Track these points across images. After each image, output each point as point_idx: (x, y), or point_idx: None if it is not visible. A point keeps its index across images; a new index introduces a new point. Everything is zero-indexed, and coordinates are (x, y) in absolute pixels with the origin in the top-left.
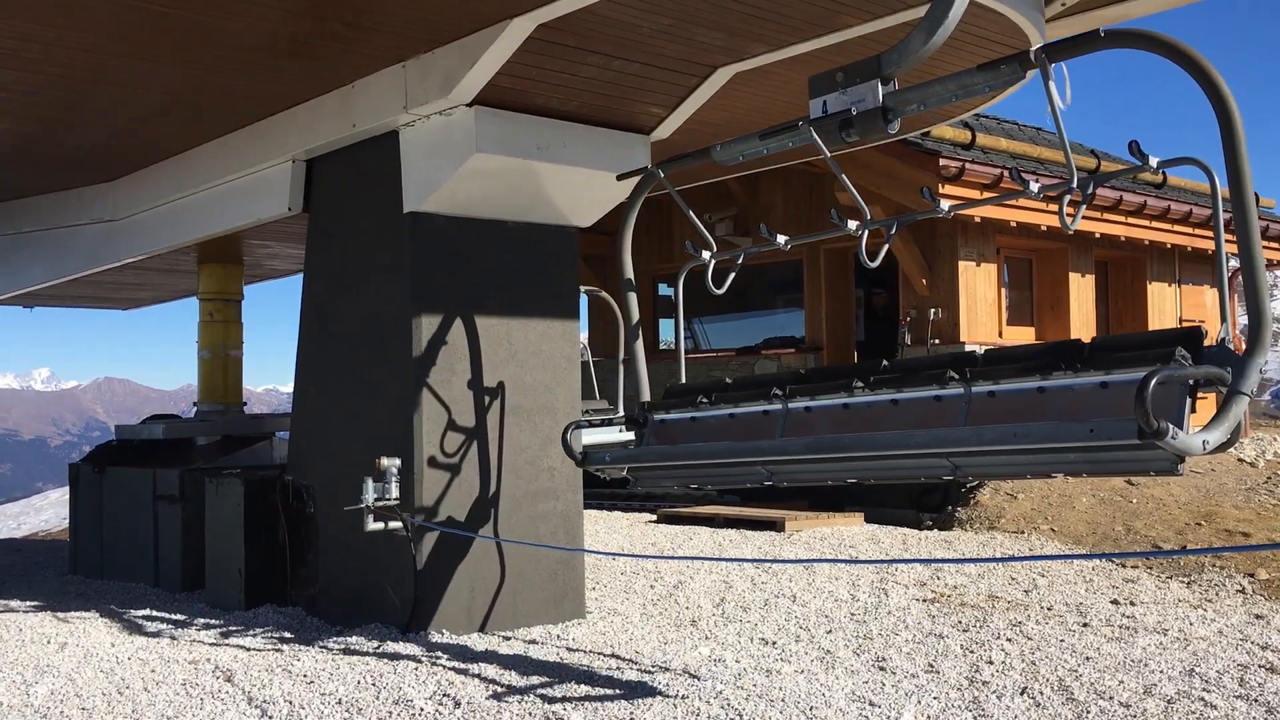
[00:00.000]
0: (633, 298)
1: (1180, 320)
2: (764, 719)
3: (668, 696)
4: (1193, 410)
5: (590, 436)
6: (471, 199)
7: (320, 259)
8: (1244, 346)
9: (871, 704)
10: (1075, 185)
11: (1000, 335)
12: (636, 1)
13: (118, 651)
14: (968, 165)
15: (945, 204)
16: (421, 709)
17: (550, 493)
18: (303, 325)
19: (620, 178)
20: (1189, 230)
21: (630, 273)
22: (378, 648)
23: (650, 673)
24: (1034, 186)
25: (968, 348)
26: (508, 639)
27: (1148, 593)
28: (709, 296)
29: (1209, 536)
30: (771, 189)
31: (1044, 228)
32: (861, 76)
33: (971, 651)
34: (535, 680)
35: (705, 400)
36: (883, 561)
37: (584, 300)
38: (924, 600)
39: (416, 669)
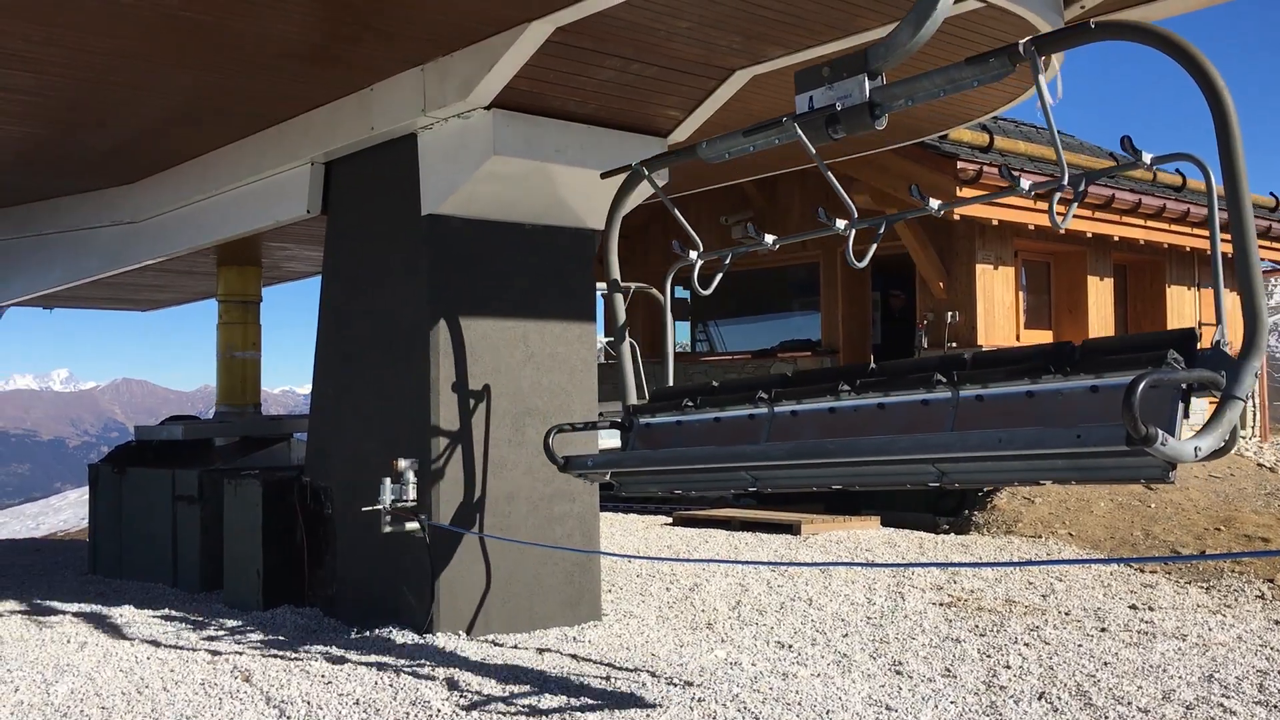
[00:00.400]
0: (619, 299)
1: (1199, 324)
2: None
3: (684, 699)
4: (1186, 415)
5: (604, 441)
6: (489, 201)
7: (338, 261)
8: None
9: (888, 708)
10: (1066, 183)
11: (1018, 339)
12: (654, 4)
13: (137, 651)
14: (985, 168)
15: (934, 203)
16: (438, 710)
17: (567, 495)
18: (321, 327)
19: (604, 175)
20: (1206, 233)
21: (617, 273)
22: (395, 648)
23: (666, 675)
24: (1024, 184)
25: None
26: (524, 641)
27: (1166, 598)
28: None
29: (1228, 542)
30: (789, 191)
31: (1062, 230)
32: (848, 71)
33: (989, 656)
34: (551, 682)
35: (690, 404)
36: (899, 565)
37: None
38: (941, 604)
39: (433, 670)
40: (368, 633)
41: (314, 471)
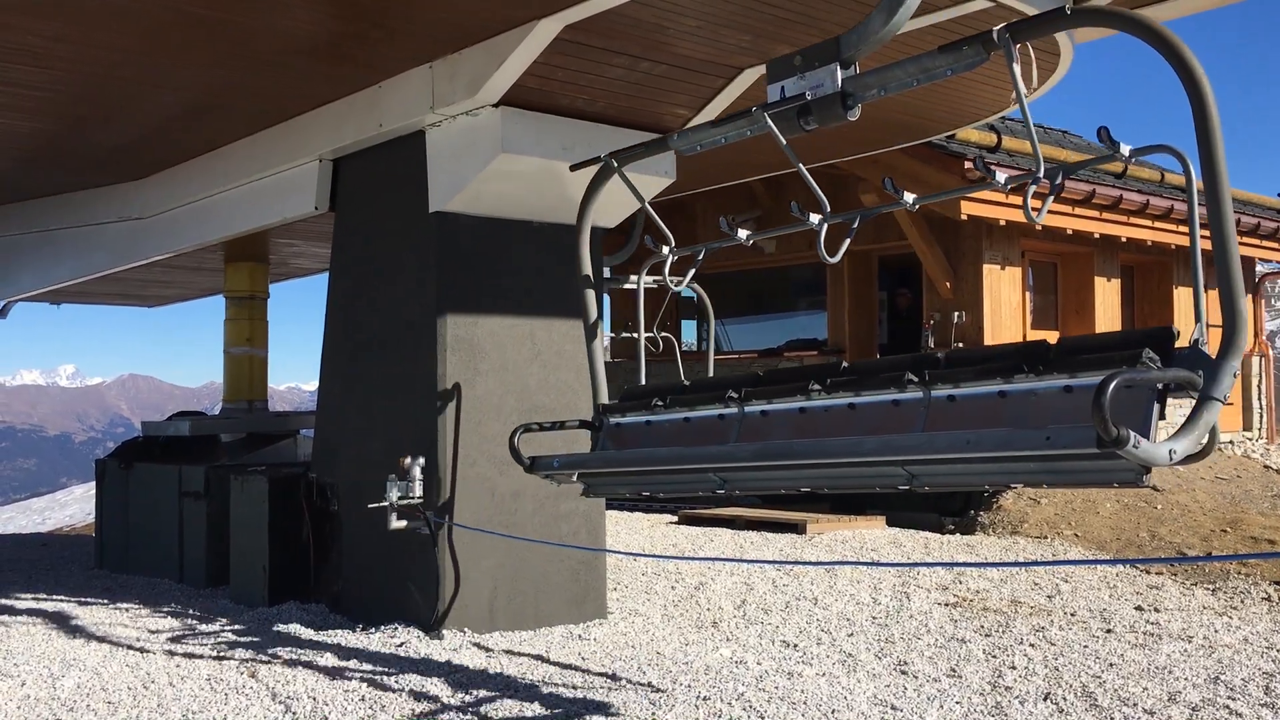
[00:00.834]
0: (590, 295)
1: (1207, 326)
2: None
3: (689, 698)
4: (1161, 417)
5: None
6: (497, 199)
7: (346, 258)
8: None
9: (894, 708)
10: (1042, 176)
11: (1024, 339)
12: (663, 3)
13: (143, 646)
14: (993, 168)
15: (909, 196)
16: (444, 706)
17: (573, 493)
18: (328, 324)
19: (574, 168)
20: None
21: (589, 269)
22: (400, 645)
23: (671, 674)
24: (1000, 177)
25: None
26: (530, 638)
27: (1172, 599)
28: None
29: (1234, 543)
30: (795, 191)
31: (1070, 231)
32: (820, 61)
33: (994, 656)
34: (557, 680)
35: (660, 403)
36: (905, 565)
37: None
38: (946, 604)
39: (438, 667)
40: (374, 629)
41: (320, 468)
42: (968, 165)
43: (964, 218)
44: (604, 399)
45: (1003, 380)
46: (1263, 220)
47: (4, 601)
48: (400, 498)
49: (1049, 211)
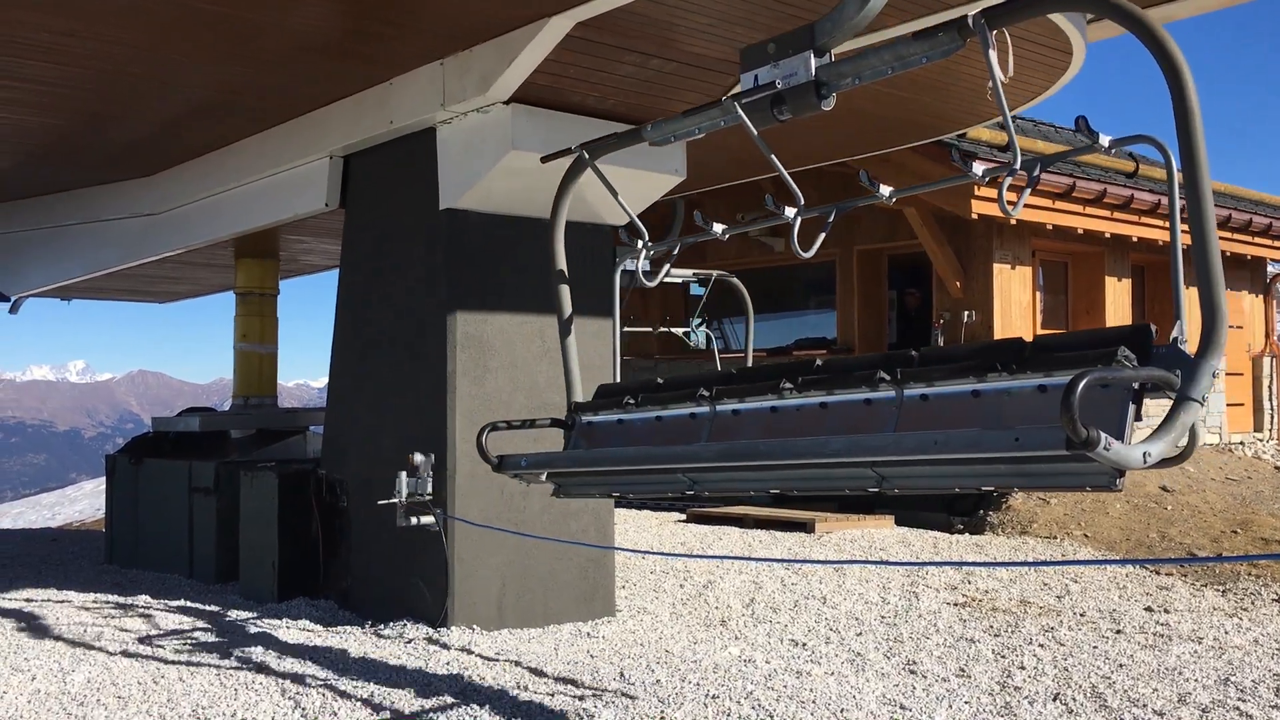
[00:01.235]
0: (565, 291)
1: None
2: None
3: (698, 696)
4: (1138, 418)
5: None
6: (507, 196)
7: (356, 254)
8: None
9: (903, 707)
10: (1019, 168)
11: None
12: (674, 0)
13: (153, 641)
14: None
15: (884, 189)
16: (453, 703)
17: None
18: (338, 320)
19: (545, 159)
20: (1227, 235)
21: (563, 264)
22: (409, 642)
23: (680, 672)
24: (978, 169)
25: None
26: (538, 636)
27: (1182, 600)
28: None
29: (1245, 544)
30: (804, 190)
31: (1080, 231)
32: (794, 48)
33: (1003, 657)
34: (565, 677)
35: (632, 401)
36: (914, 564)
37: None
38: (955, 604)
39: (448, 664)
40: (382, 626)
41: (330, 464)
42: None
43: (974, 217)
44: (578, 397)
45: (976, 379)
46: (1274, 220)
47: (15, 596)
48: (409, 494)
49: (1057, 211)
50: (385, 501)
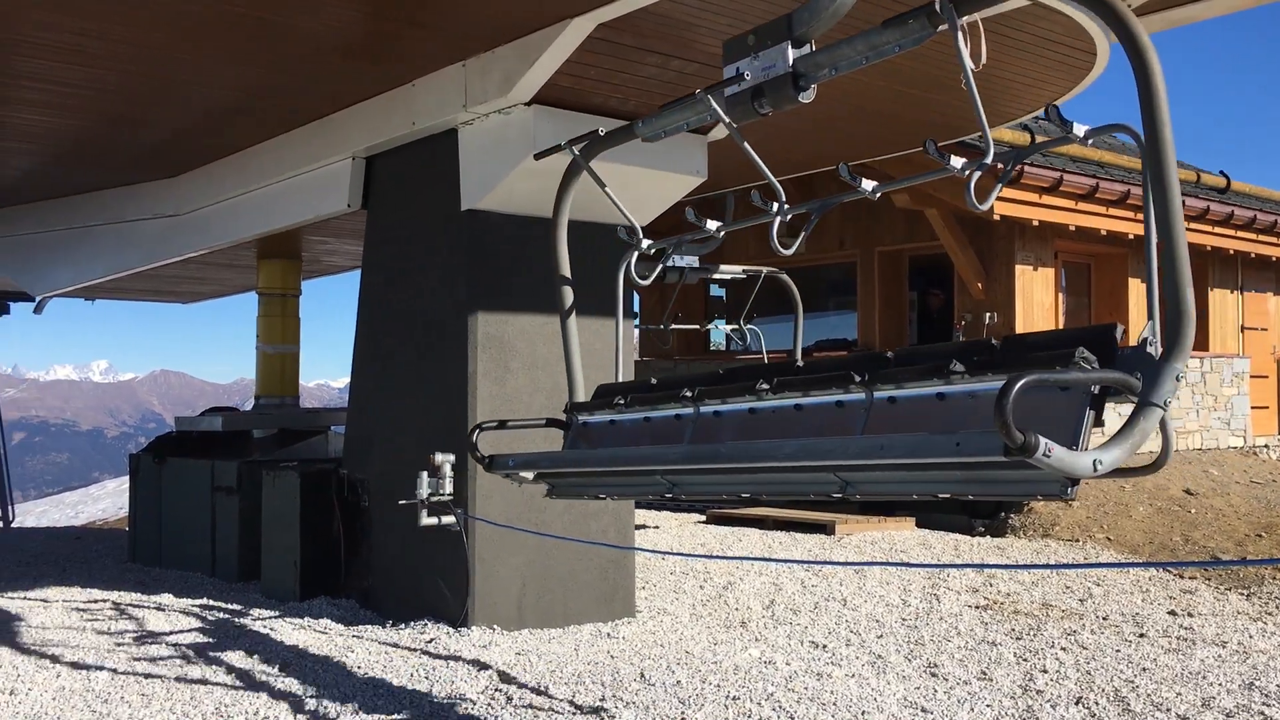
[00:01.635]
0: (568, 292)
1: (1242, 328)
2: None
3: (718, 697)
4: (1098, 423)
5: None
6: (528, 197)
7: (378, 255)
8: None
9: (924, 710)
10: (989, 160)
11: None
12: (695, 1)
13: (176, 640)
14: (1026, 168)
15: (867, 184)
16: (473, 703)
17: None
18: (360, 321)
19: (538, 157)
20: (1252, 236)
21: (566, 268)
22: (430, 641)
23: (700, 673)
24: (955, 163)
25: None
26: (558, 636)
27: (1206, 604)
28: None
29: (1270, 548)
30: (827, 191)
31: (1104, 232)
32: (772, 39)
33: (1025, 660)
34: (586, 678)
35: (622, 401)
36: (935, 566)
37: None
38: (976, 607)
39: (469, 663)
40: (403, 625)
41: (351, 464)
42: (1000, 165)
43: (996, 218)
44: (580, 397)
45: (942, 381)
46: (1266, 215)
47: (39, 594)
48: (430, 494)
49: (1080, 212)
50: (406, 501)
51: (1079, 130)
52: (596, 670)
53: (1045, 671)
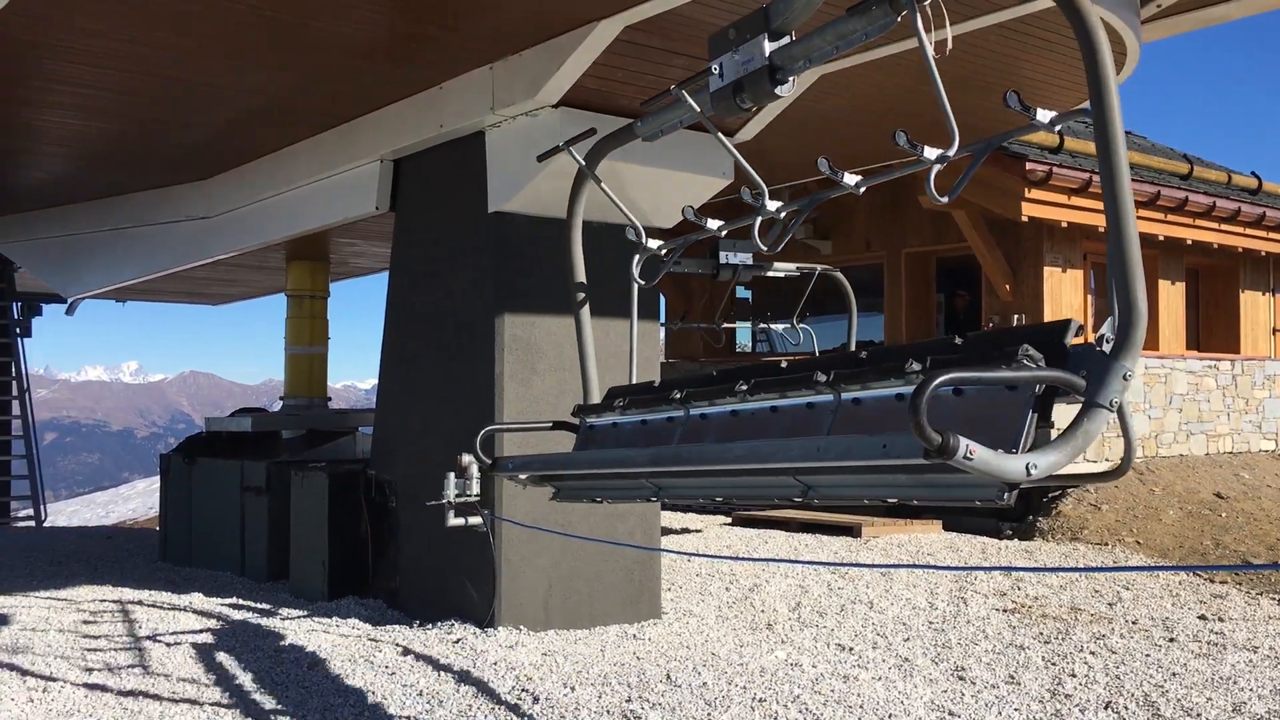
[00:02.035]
0: (582, 295)
1: (1274, 330)
2: None
3: (745, 699)
4: (1044, 424)
5: None
6: (555, 199)
7: (405, 257)
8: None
9: (951, 714)
10: (952, 154)
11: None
12: (722, 3)
13: (206, 637)
14: (1055, 169)
15: (850, 178)
16: (500, 702)
17: None
18: (387, 323)
19: (541, 158)
20: None
21: (581, 271)
22: (457, 641)
23: (727, 675)
24: (930, 154)
25: None
26: (584, 637)
27: (1237, 609)
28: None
29: None
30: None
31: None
32: (751, 32)
33: (1053, 664)
34: (612, 678)
35: (621, 404)
36: (961, 569)
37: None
38: (1004, 610)
39: (495, 663)
40: (430, 625)
41: (379, 465)
42: (1029, 166)
43: (1024, 219)
44: (595, 398)
45: (900, 381)
46: (1269, 209)
47: (71, 593)
48: (458, 495)
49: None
50: (434, 502)
51: (1042, 116)
52: (623, 671)
53: (1074, 676)
